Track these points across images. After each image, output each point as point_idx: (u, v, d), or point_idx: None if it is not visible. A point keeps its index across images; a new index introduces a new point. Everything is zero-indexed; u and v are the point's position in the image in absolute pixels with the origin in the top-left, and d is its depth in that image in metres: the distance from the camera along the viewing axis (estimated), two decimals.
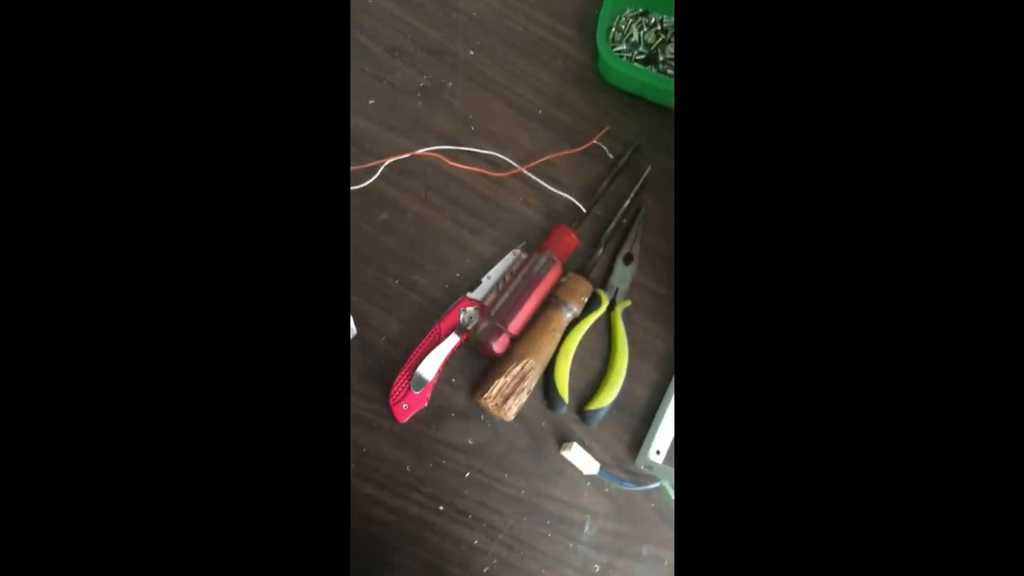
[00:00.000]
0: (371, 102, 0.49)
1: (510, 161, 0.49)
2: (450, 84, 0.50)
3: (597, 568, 0.45)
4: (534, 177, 0.49)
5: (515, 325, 0.44)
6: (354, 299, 0.45)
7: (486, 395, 0.43)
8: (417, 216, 0.47)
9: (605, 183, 0.49)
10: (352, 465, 0.44)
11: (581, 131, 0.50)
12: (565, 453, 0.45)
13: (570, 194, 0.49)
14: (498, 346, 0.43)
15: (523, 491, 0.45)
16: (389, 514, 0.44)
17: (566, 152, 0.49)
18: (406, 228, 0.47)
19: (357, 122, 0.48)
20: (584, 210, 0.48)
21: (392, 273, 0.46)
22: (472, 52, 0.51)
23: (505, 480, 0.45)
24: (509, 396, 0.43)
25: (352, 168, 0.47)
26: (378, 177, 0.47)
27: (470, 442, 0.45)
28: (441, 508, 0.44)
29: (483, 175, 0.49)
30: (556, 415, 0.46)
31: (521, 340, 0.44)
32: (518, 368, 0.43)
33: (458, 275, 0.47)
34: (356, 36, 0.50)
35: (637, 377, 0.47)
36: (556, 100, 0.51)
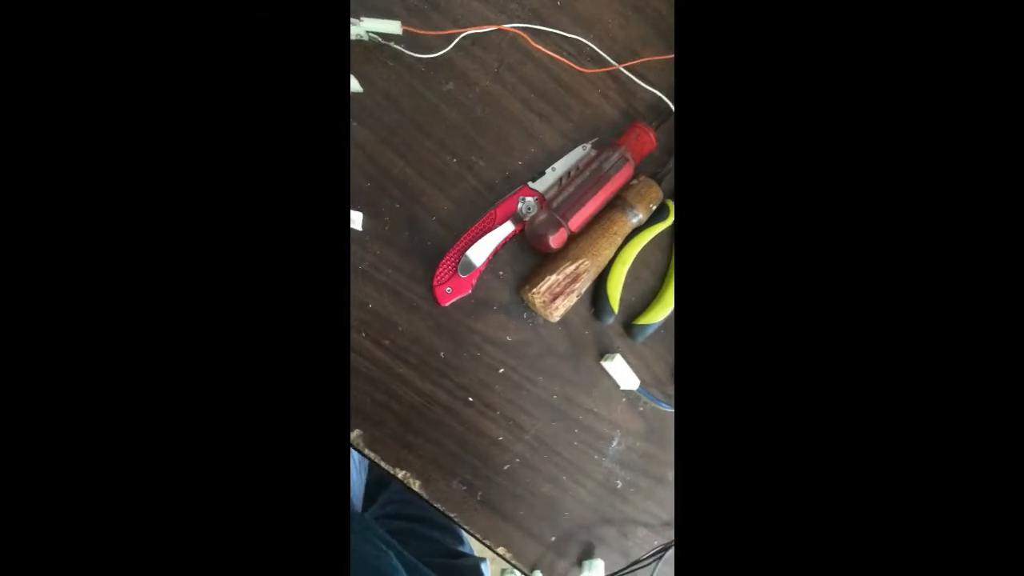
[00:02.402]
0: None
1: (596, 49, 0.44)
2: None
3: (619, 484, 0.44)
4: (622, 69, 0.44)
5: (575, 221, 0.41)
6: (408, 170, 0.43)
7: (534, 290, 0.40)
8: (485, 92, 0.44)
9: None
10: (386, 342, 0.42)
11: (673, 26, 0.45)
12: (606, 364, 0.43)
13: (654, 92, 0.44)
14: (555, 240, 0.41)
15: (555, 396, 0.44)
16: (416, 396, 0.42)
17: (658, 58, 0.45)
18: (472, 104, 0.44)
19: None
20: (672, 108, 0.44)
21: (450, 150, 0.43)
22: None
23: (539, 382, 0.43)
24: (558, 295, 0.41)
25: (427, 33, 0.43)
26: (450, 43, 0.43)
27: (508, 339, 0.43)
28: (470, 399, 0.43)
29: (563, 58, 0.44)
30: (602, 325, 0.44)
31: (579, 239, 0.41)
32: (572, 267, 0.41)
33: (520, 163, 0.44)
34: None
35: None
36: None
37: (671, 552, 0.43)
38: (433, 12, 0.43)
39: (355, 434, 0.42)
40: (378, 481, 0.68)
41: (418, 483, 0.42)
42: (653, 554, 0.43)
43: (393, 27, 0.41)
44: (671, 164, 0.44)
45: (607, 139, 0.44)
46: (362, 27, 0.40)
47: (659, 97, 0.44)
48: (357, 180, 0.42)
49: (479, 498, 0.43)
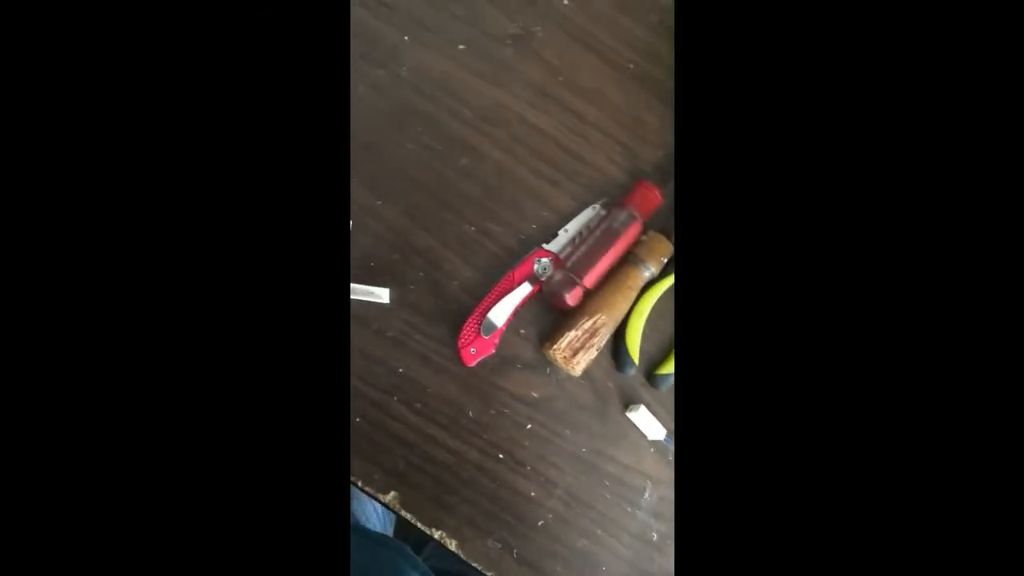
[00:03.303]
0: (461, 47, 0.48)
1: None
2: (541, 33, 0.49)
3: (655, 536, 0.44)
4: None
5: (590, 279, 0.43)
6: (429, 241, 0.46)
7: (555, 346, 0.42)
8: (497, 164, 0.47)
9: None
10: (417, 404, 0.44)
11: (672, 88, 0.48)
12: (631, 415, 0.44)
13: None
14: (571, 298, 0.43)
15: (584, 449, 0.44)
16: (449, 455, 0.44)
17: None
18: (486, 176, 0.47)
19: (447, 67, 0.48)
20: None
21: (468, 219, 0.46)
22: (566, 1, 0.49)
23: (566, 436, 0.44)
24: (578, 350, 0.42)
25: (438, 112, 0.47)
26: (462, 122, 0.47)
27: (534, 395, 0.45)
28: (500, 456, 0.44)
29: (567, 128, 0.48)
30: (624, 376, 0.45)
31: (595, 295, 0.43)
32: (590, 323, 0.42)
33: (535, 227, 0.46)
34: None
35: None
36: (649, 56, 0.49)
37: None
38: (441, 93, 0.47)
39: (391, 496, 0.43)
40: (417, 540, 0.68)
41: (454, 542, 0.43)
42: None
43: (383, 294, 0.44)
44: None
45: (616, 199, 0.46)
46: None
47: (661, 157, 0.47)
48: (385, 254, 0.45)
49: (515, 556, 0.43)
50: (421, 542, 0.67)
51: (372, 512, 0.61)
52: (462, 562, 0.43)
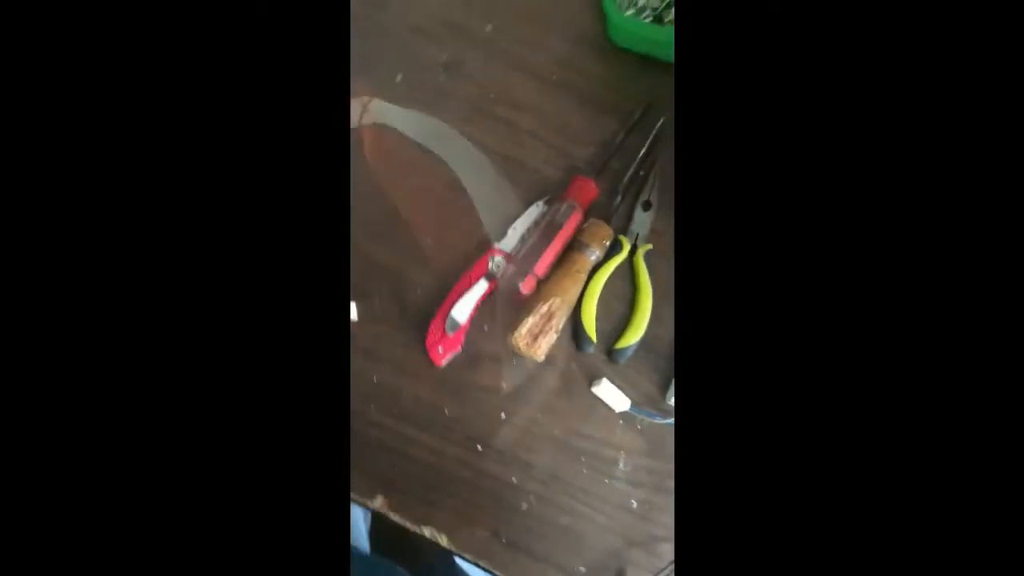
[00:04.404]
0: (398, 79, 0.53)
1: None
2: (469, 58, 0.54)
3: (634, 504, 0.46)
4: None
5: (540, 267, 0.46)
6: (390, 256, 0.49)
7: (516, 333, 0.45)
8: (446, 178, 0.51)
9: (620, 136, 0.51)
10: (395, 409, 0.46)
11: (596, 92, 0.53)
12: (596, 389, 0.46)
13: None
14: (525, 287, 0.46)
15: (556, 430, 0.47)
16: (430, 455, 0.46)
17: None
18: (437, 188, 0.50)
19: (385, 98, 0.52)
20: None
21: (425, 232, 0.49)
22: (489, 27, 0.54)
23: (539, 420, 0.47)
24: (538, 335, 0.45)
25: (382, 139, 0.51)
26: (408, 145, 0.51)
27: (504, 385, 0.47)
28: (479, 448, 0.46)
29: (504, 138, 0.52)
30: (584, 355, 0.48)
31: (547, 282, 0.47)
32: (545, 307, 0.45)
33: (486, 230, 0.50)
34: (380, 18, 0.54)
35: (661, 320, 0.48)
36: (570, 66, 0.54)
37: None
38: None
39: (379, 500, 0.45)
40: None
41: (444, 537, 0.45)
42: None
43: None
44: (617, 203, 0.50)
45: (556, 195, 0.50)
46: None
47: (591, 152, 0.51)
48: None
49: (504, 542, 0.45)
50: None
51: (360, 520, 0.61)
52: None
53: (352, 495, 0.45)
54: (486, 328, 0.48)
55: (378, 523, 0.69)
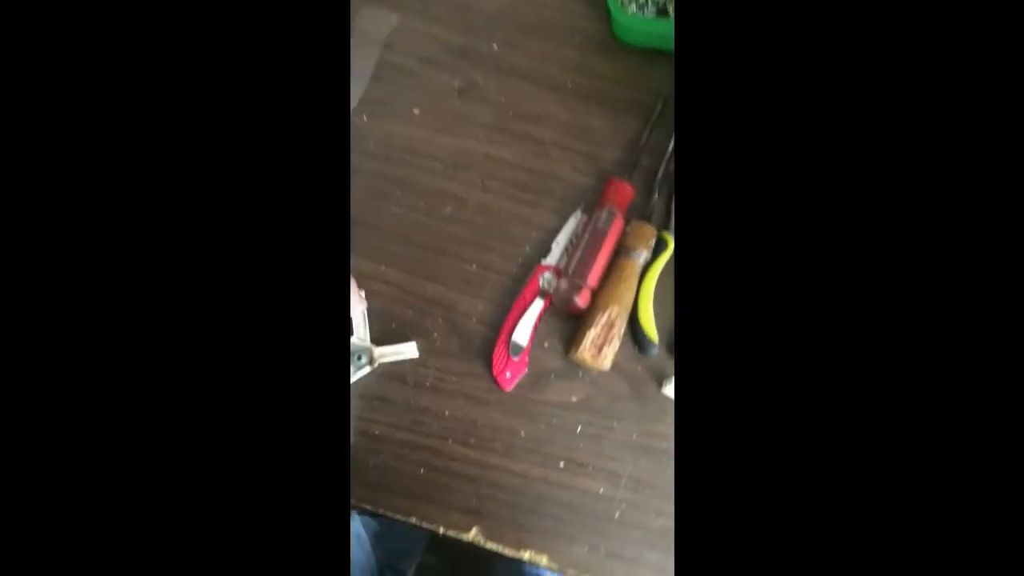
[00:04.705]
0: (416, 111, 0.53)
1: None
2: (482, 80, 0.54)
3: None
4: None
5: (592, 278, 0.46)
6: (438, 289, 0.49)
7: (580, 348, 0.45)
8: (478, 203, 0.51)
9: (645, 133, 0.51)
10: (471, 440, 0.46)
11: (611, 93, 0.53)
12: (666, 390, 0.46)
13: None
14: (581, 300, 0.46)
15: (634, 435, 0.47)
16: (515, 478, 0.46)
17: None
18: (471, 216, 0.50)
19: (409, 131, 0.52)
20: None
21: (467, 259, 0.50)
22: (496, 47, 0.54)
23: (615, 428, 0.47)
24: (602, 345, 0.45)
25: (411, 172, 0.51)
26: (435, 175, 0.51)
27: (574, 399, 0.47)
28: (562, 464, 0.46)
29: (530, 154, 0.52)
30: (649, 357, 0.48)
31: (602, 292, 0.47)
32: (605, 317, 0.46)
33: (528, 248, 0.50)
34: (390, 57, 0.54)
35: None
36: (582, 71, 0.54)
37: None
38: (411, 155, 0.51)
39: (473, 532, 0.45)
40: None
41: (544, 557, 0.45)
42: None
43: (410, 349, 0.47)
44: (654, 201, 0.50)
45: (592, 202, 0.50)
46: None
47: (619, 153, 0.51)
48: (401, 312, 0.48)
49: (604, 553, 0.45)
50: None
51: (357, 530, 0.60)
52: None
53: (447, 531, 0.45)
54: (547, 345, 0.48)
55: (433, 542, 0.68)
